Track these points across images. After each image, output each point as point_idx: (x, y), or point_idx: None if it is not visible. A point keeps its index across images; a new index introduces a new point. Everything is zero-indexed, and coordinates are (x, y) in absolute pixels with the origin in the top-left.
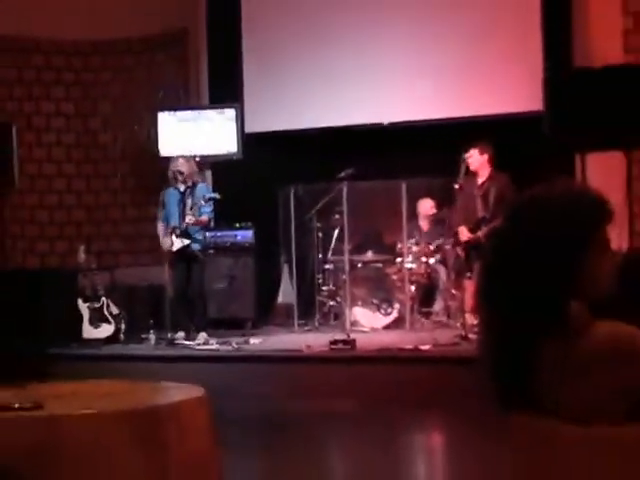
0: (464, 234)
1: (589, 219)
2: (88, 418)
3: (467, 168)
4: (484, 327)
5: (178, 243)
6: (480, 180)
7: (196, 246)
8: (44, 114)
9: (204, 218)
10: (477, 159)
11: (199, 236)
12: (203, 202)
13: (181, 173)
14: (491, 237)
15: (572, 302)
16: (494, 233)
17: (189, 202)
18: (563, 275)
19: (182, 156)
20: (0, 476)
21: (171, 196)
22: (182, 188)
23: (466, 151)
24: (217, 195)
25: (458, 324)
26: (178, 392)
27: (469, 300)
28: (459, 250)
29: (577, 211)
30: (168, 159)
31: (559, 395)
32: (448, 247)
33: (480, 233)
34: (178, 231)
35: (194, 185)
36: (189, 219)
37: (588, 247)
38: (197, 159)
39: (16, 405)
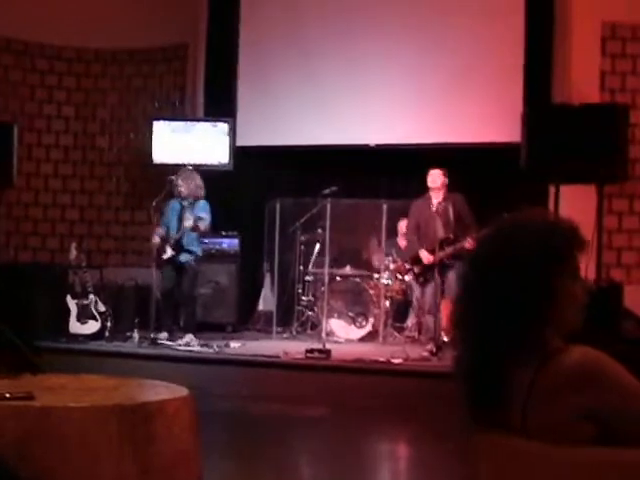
0: (426, 257)
1: (563, 246)
2: (77, 411)
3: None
4: (459, 347)
5: (169, 253)
6: (436, 200)
7: (186, 256)
8: (45, 116)
9: (202, 227)
10: (441, 179)
11: (195, 248)
12: (204, 215)
13: (180, 192)
14: (466, 260)
15: (545, 327)
16: (471, 257)
17: (188, 215)
18: (537, 300)
19: (183, 177)
20: None
21: (172, 209)
22: (184, 202)
23: (428, 172)
24: (205, 215)
25: (428, 343)
26: (165, 390)
27: (444, 319)
28: (416, 270)
29: (552, 238)
30: (161, 166)
31: (528, 416)
32: (407, 265)
33: (442, 254)
34: (172, 241)
35: (195, 200)
36: (188, 223)
37: (562, 273)
38: (190, 168)
39: (8, 395)
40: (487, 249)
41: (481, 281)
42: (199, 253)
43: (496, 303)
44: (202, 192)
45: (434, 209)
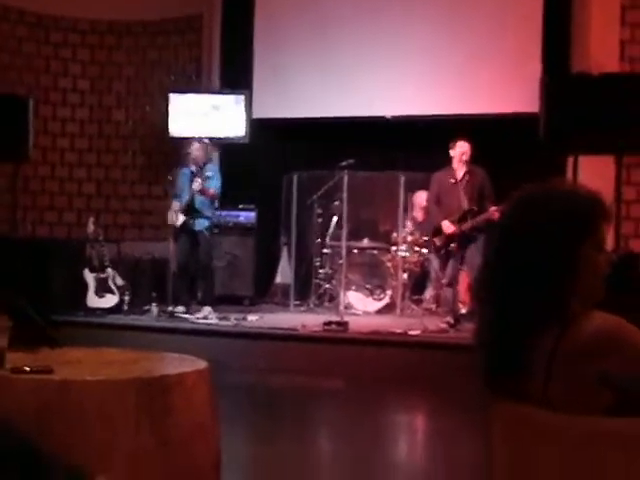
0: (448, 227)
1: (589, 216)
2: (95, 384)
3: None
4: (481, 315)
5: (181, 219)
6: (461, 172)
7: (203, 222)
8: (60, 89)
9: (211, 191)
10: (467, 152)
11: (208, 212)
12: (210, 174)
13: (193, 158)
14: (492, 230)
15: (568, 296)
16: (497, 227)
17: (196, 179)
18: (562, 269)
19: (199, 140)
20: (10, 434)
21: (183, 175)
22: (193, 169)
23: (454, 143)
24: (210, 173)
25: (446, 312)
26: (182, 363)
27: (462, 292)
28: (439, 242)
29: (577, 208)
30: (177, 139)
31: (549, 384)
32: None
33: (466, 225)
34: (184, 207)
35: (204, 165)
36: (196, 185)
37: (586, 243)
38: (206, 141)
39: (27, 369)
40: (513, 218)
41: (506, 249)
42: (213, 218)
43: (520, 271)
44: (211, 159)
45: (458, 181)
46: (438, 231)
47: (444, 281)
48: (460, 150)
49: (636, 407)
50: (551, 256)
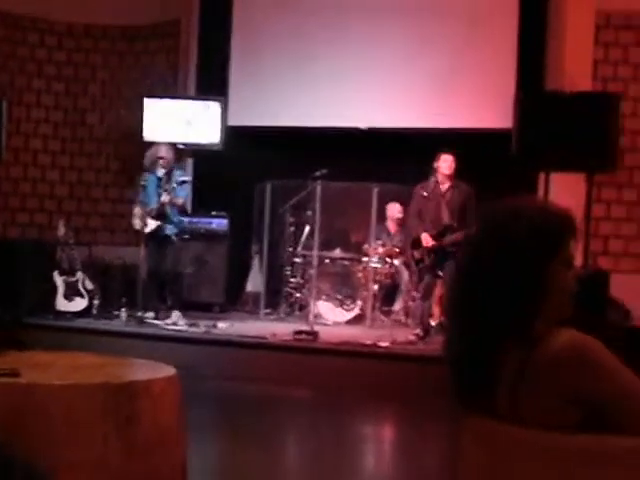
0: (427, 240)
1: (557, 233)
2: (63, 388)
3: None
4: (449, 331)
5: (152, 225)
6: (445, 186)
7: (171, 228)
8: (35, 90)
9: (179, 201)
10: (452, 165)
11: (176, 218)
12: (175, 185)
13: (162, 159)
14: (463, 247)
15: (536, 314)
16: (467, 243)
17: (167, 187)
18: (531, 285)
19: (164, 143)
20: None
21: (150, 181)
22: (160, 174)
23: (438, 156)
24: (188, 178)
25: (416, 324)
26: (151, 370)
27: (434, 304)
28: (417, 255)
29: (546, 225)
30: (151, 144)
31: (516, 401)
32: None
33: (446, 240)
34: (154, 212)
35: (171, 170)
36: (165, 198)
37: (555, 260)
38: (180, 147)
39: None
40: (482, 235)
41: (474, 266)
42: (181, 224)
43: (489, 288)
44: (175, 164)
45: (441, 195)
46: (417, 244)
47: (415, 294)
48: (444, 164)
49: (602, 424)
50: (520, 273)
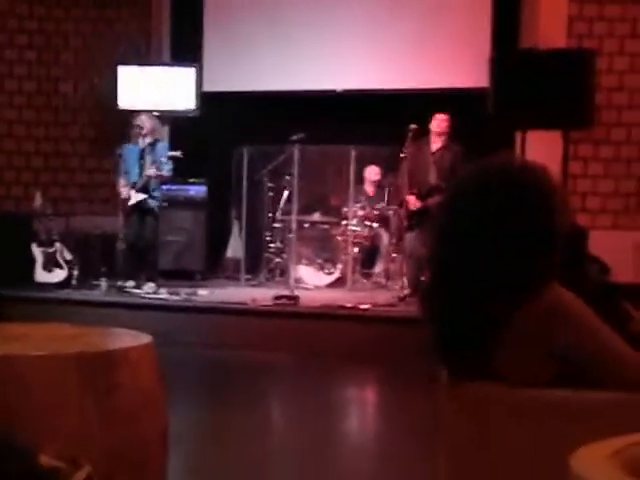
0: (413, 203)
1: (550, 188)
2: (38, 359)
3: (413, 135)
4: (431, 291)
5: (135, 197)
6: (435, 146)
7: (153, 201)
8: (7, 61)
9: (165, 174)
10: (444, 124)
11: (157, 192)
12: (164, 159)
13: (141, 128)
14: (448, 203)
15: (525, 270)
16: (452, 199)
17: (149, 159)
18: (515, 243)
19: (145, 112)
20: None
21: (130, 152)
22: (141, 145)
23: (432, 115)
24: (179, 153)
25: (396, 286)
26: (128, 338)
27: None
28: (403, 217)
29: (540, 182)
30: (126, 112)
31: (498, 356)
32: (391, 213)
33: (431, 201)
34: (138, 186)
35: (155, 142)
36: (151, 172)
37: (555, 212)
38: (156, 114)
39: None
40: (465, 196)
41: (458, 227)
42: (161, 195)
43: (475, 248)
44: (159, 135)
45: (431, 155)
46: (404, 206)
47: (395, 255)
48: (434, 122)
49: (579, 378)
50: (505, 233)
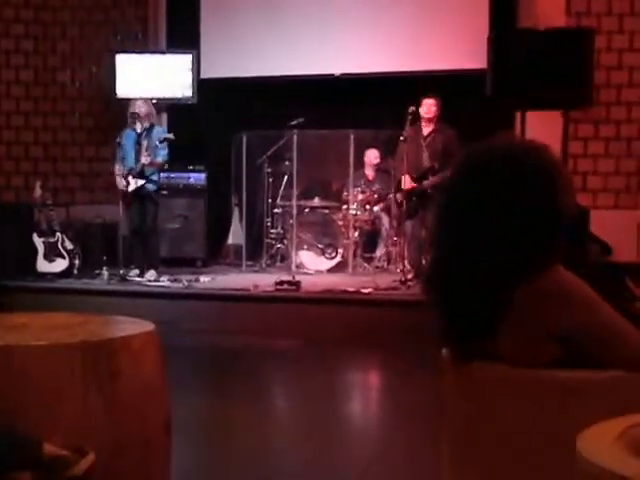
0: (407, 182)
1: (553, 167)
2: (40, 349)
3: (412, 118)
4: (437, 274)
5: (133, 184)
6: (427, 130)
7: (151, 187)
8: (3, 51)
9: (159, 160)
10: (433, 109)
11: (154, 177)
12: (158, 143)
13: (137, 114)
14: (451, 184)
15: (526, 251)
16: (454, 181)
17: (145, 144)
18: (518, 223)
19: (140, 98)
20: None
21: (127, 137)
22: (138, 129)
23: (419, 100)
24: (171, 135)
25: (398, 270)
26: (130, 326)
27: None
28: (400, 198)
29: (542, 161)
30: (125, 100)
31: (501, 338)
32: (391, 196)
33: (426, 183)
34: (134, 172)
35: (151, 127)
36: (145, 159)
37: (558, 191)
38: (154, 101)
39: None
40: (473, 175)
41: (459, 207)
42: (159, 181)
43: (476, 227)
44: (155, 120)
45: (423, 139)
46: (399, 187)
47: (396, 239)
48: (424, 107)
49: (582, 360)
50: (532, 210)
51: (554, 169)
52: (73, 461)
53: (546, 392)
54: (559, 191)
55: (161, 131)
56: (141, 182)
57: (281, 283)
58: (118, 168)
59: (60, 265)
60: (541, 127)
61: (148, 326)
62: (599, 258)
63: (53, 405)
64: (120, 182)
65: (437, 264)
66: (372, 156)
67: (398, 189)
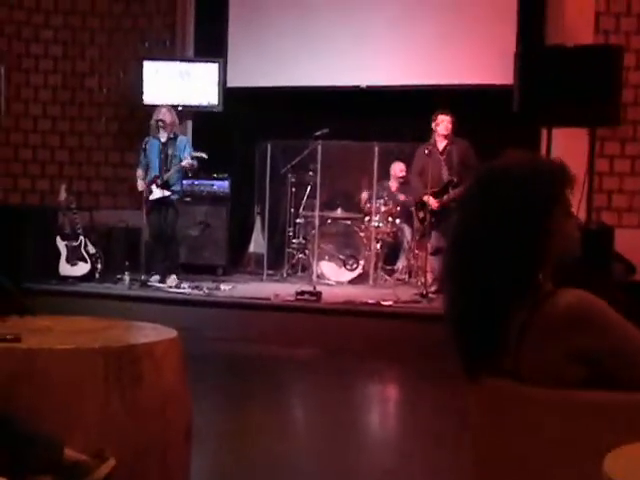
0: (433, 203)
1: (553, 184)
2: (63, 352)
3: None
4: (450, 293)
5: (158, 193)
6: (442, 145)
7: (174, 196)
8: (32, 56)
9: (195, 165)
10: (449, 126)
11: (177, 187)
12: (190, 158)
13: (163, 122)
14: (458, 206)
15: (539, 270)
16: (461, 202)
17: (170, 153)
18: (535, 240)
19: (165, 106)
20: None
21: (152, 145)
22: (163, 139)
23: (435, 117)
24: (204, 155)
25: (419, 282)
26: (152, 332)
27: (431, 261)
28: (422, 215)
29: (541, 177)
30: (151, 107)
31: (520, 359)
32: (413, 208)
33: (446, 197)
34: (159, 182)
35: (175, 137)
36: (185, 163)
37: (555, 211)
38: (179, 109)
39: None
40: (477, 193)
41: (472, 226)
42: (182, 188)
43: (489, 246)
44: (179, 130)
45: (439, 154)
46: (421, 205)
47: (417, 252)
48: (441, 124)
49: (607, 381)
50: (522, 228)
51: (552, 192)
52: (93, 466)
53: (572, 413)
54: (546, 214)
55: (185, 141)
56: (167, 193)
57: (302, 293)
58: (140, 172)
59: (82, 269)
60: (567, 144)
61: (171, 333)
62: (623, 277)
63: (75, 409)
64: (140, 184)
65: (447, 280)
66: (398, 169)
67: (420, 207)
